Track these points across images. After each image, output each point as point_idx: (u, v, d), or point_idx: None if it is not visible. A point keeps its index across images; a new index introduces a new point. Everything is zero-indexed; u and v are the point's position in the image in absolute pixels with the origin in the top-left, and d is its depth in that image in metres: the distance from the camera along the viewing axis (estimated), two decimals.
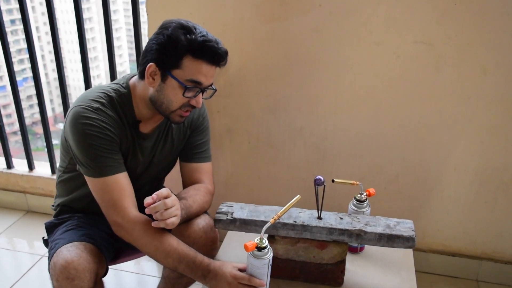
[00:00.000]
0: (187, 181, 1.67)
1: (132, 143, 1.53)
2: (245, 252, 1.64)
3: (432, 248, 2.19)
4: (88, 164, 1.42)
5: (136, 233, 1.41)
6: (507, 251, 2.11)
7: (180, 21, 1.40)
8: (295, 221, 1.43)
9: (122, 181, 1.44)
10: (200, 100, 1.45)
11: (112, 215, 1.43)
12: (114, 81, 1.55)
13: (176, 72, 1.38)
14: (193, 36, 1.36)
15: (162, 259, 1.40)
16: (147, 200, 1.33)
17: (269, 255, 1.33)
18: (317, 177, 1.41)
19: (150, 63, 1.40)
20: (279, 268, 1.50)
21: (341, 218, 1.45)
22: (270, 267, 1.36)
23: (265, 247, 1.32)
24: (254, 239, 1.59)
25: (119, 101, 1.47)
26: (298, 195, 1.35)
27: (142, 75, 1.45)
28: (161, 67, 1.40)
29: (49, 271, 1.42)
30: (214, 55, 1.39)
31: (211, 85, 1.47)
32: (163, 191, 1.34)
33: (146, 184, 1.68)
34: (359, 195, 1.59)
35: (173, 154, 1.67)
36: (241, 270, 1.41)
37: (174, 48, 1.37)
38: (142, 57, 1.44)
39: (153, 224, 1.35)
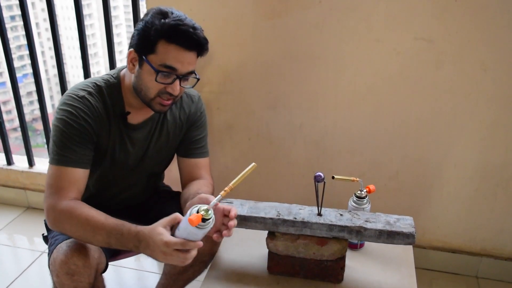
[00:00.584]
0: (186, 177, 1.66)
1: (120, 134, 1.51)
2: (245, 248, 1.64)
3: (432, 245, 2.19)
4: (53, 150, 1.41)
5: (63, 219, 1.36)
6: (507, 248, 2.11)
7: (161, 7, 1.39)
8: (295, 218, 1.43)
9: (76, 175, 1.41)
10: (176, 88, 1.41)
11: (48, 200, 1.38)
12: (108, 72, 1.55)
13: (150, 57, 1.37)
14: (167, 20, 1.35)
15: (92, 238, 1.33)
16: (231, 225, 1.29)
17: (211, 223, 1.21)
18: (317, 173, 1.41)
19: (130, 49, 1.41)
20: (279, 264, 1.51)
21: (341, 215, 1.45)
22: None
23: (209, 218, 1.21)
24: (253, 235, 1.59)
25: (108, 91, 1.47)
26: (254, 163, 1.28)
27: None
28: (139, 52, 1.39)
29: (49, 267, 1.42)
30: (188, 39, 1.36)
31: (191, 73, 1.43)
32: (233, 211, 1.30)
33: (142, 179, 1.68)
34: (359, 192, 1.59)
35: (169, 148, 1.65)
36: (174, 225, 1.29)
37: (149, 32, 1.36)
38: (129, 45, 1.45)
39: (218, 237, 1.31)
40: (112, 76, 1.50)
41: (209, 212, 1.20)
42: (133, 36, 1.42)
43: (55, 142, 1.41)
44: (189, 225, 1.19)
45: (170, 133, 1.62)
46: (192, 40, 1.37)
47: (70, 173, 1.41)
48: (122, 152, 1.55)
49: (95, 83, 1.47)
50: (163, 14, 1.37)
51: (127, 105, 1.50)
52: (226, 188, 1.23)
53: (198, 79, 1.48)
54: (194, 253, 1.26)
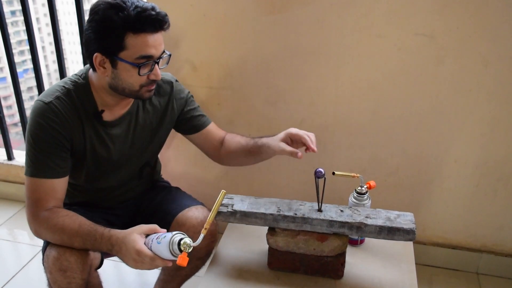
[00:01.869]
0: (210, 146, 1.72)
1: (96, 133, 1.50)
2: (246, 244, 1.64)
3: (432, 241, 2.19)
4: (27, 161, 1.42)
5: (42, 229, 1.40)
6: (507, 244, 2.11)
7: (106, 0, 1.34)
8: (296, 214, 1.43)
9: (52, 186, 1.42)
10: (158, 72, 1.40)
11: (27, 211, 1.42)
12: (76, 72, 1.52)
13: (123, 54, 1.34)
14: (126, 12, 1.30)
15: (70, 244, 1.36)
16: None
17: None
18: (318, 169, 1.41)
19: (95, 54, 1.35)
20: (279, 260, 1.51)
21: (341, 211, 1.45)
22: None
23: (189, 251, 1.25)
24: (253, 231, 1.59)
25: (77, 92, 1.45)
26: (223, 190, 1.31)
27: (93, 67, 1.41)
28: (107, 54, 1.35)
29: (43, 264, 1.43)
30: (154, 22, 1.33)
31: (163, 52, 1.41)
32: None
33: (135, 172, 1.67)
34: (359, 188, 1.59)
35: (156, 137, 1.64)
36: (148, 233, 1.33)
37: (112, 31, 1.31)
38: (85, 50, 1.40)
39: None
40: (80, 77, 1.48)
41: (191, 248, 1.24)
42: (88, 40, 1.36)
43: (28, 154, 1.42)
44: (164, 247, 1.24)
45: (153, 122, 1.61)
46: (157, 21, 1.35)
47: (45, 184, 1.41)
48: (104, 150, 1.53)
49: (63, 86, 1.45)
50: (115, 7, 1.31)
51: (99, 104, 1.48)
52: (205, 225, 1.26)
53: (170, 55, 1.45)
54: (161, 266, 1.30)
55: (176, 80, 1.66)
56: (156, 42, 1.36)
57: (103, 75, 1.40)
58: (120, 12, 1.30)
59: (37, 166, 1.41)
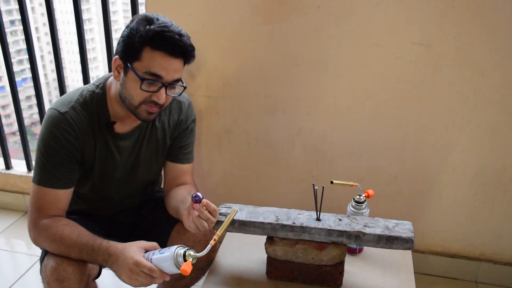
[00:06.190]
0: (171, 181, 1.66)
1: (106, 144, 1.50)
2: (244, 253, 1.64)
3: (431, 250, 2.19)
4: (35, 169, 1.43)
5: (41, 237, 1.40)
6: (506, 253, 2.11)
7: (146, 13, 1.38)
8: (294, 223, 1.43)
9: (57, 196, 1.43)
10: (162, 96, 1.37)
11: (29, 218, 1.42)
12: (94, 81, 1.52)
13: (136, 64, 1.34)
14: (152, 26, 1.33)
15: (67, 254, 1.35)
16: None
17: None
18: (195, 193, 1.35)
19: (115, 57, 1.39)
20: (277, 269, 1.50)
21: (340, 220, 1.45)
22: None
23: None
24: (252, 240, 1.59)
25: (93, 102, 1.45)
26: (234, 208, 1.33)
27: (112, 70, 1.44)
28: (124, 59, 1.37)
29: (40, 274, 1.42)
30: (174, 46, 1.33)
31: (178, 81, 1.40)
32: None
33: (138, 190, 1.67)
34: (358, 197, 1.59)
35: (160, 154, 1.64)
36: (148, 249, 1.34)
37: (134, 39, 1.34)
38: (114, 53, 1.45)
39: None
40: (97, 86, 1.48)
41: (196, 259, 1.24)
42: (118, 43, 1.39)
43: (37, 162, 1.42)
44: (165, 258, 1.25)
45: (160, 139, 1.60)
46: (178, 47, 1.34)
47: (50, 193, 1.42)
48: (110, 162, 1.53)
49: (79, 95, 1.46)
50: (148, 20, 1.34)
51: (113, 115, 1.48)
52: (214, 237, 1.27)
53: (185, 87, 1.45)
54: (158, 280, 1.29)
55: (190, 103, 1.65)
56: (170, 66, 1.35)
57: (116, 79, 1.41)
58: (148, 25, 1.33)
59: (45, 175, 1.41)
